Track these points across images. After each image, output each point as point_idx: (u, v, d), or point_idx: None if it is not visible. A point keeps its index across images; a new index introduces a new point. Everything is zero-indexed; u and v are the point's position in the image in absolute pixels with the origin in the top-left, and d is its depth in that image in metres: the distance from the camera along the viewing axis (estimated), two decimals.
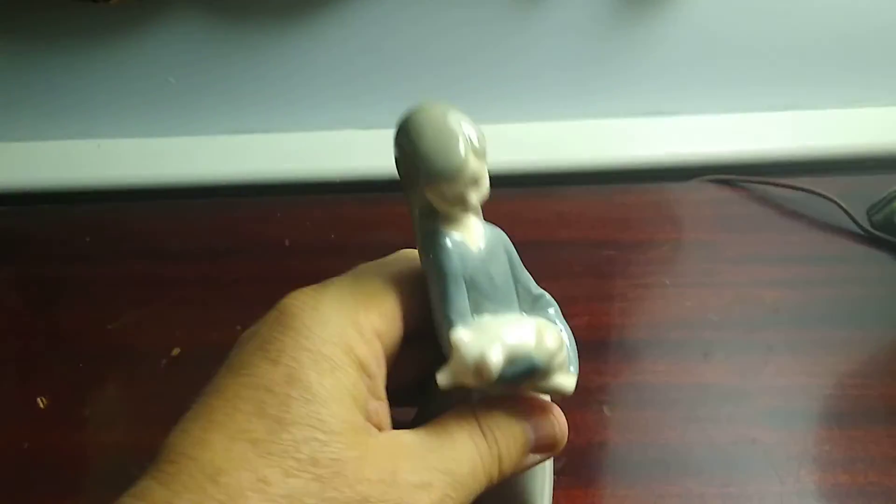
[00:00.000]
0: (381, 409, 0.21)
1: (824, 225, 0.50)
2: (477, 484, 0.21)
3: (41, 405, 0.42)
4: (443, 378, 0.20)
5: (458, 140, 0.20)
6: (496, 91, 0.58)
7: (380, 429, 0.21)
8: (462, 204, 0.21)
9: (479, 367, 0.19)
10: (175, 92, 0.59)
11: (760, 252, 0.48)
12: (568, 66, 0.57)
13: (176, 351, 0.44)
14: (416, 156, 0.20)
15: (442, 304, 0.21)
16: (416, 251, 0.23)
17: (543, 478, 0.26)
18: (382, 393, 0.21)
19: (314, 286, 0.22)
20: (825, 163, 0.55)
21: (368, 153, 0.57)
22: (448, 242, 0.21)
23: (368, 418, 0.20)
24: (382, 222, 0.52)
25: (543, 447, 0.23)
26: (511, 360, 0.20)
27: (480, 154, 0.21)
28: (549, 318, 0.23)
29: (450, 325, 0.21)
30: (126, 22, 0.55)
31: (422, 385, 0.24)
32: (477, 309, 0.21)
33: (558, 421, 0.23)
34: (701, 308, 0.45)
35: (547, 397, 0.24)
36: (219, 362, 0.21)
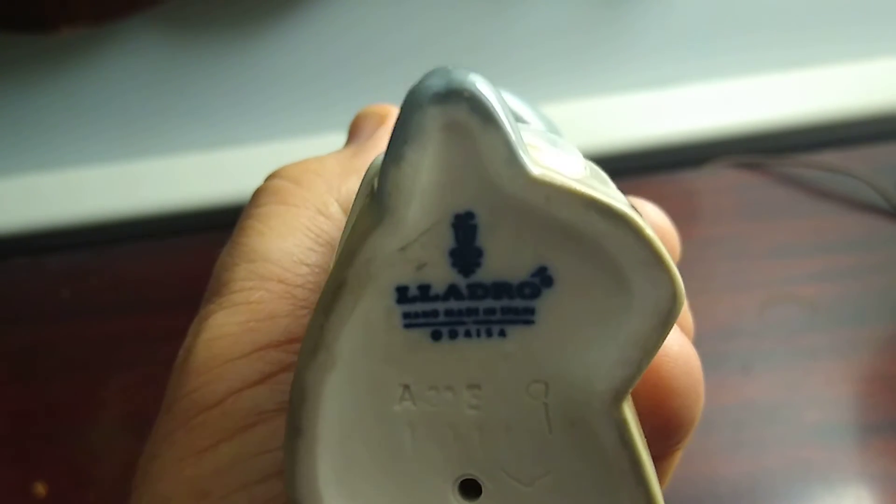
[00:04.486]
0: None
1: (856, 205, 0.47)
2: None
3: (39, 493, 0.39)
4: None
5: None
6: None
7: None
8: None
9: None
10: (142, 112, 0.55)
11: (790, 243, 0.45)
12: (551, 40, 0.53)
13: None
14: None
15: None
16: None
17: None
18: None
19: None
20: (853, 124, 0.51)
21: None
22: None
23: None
24: None
25: None
26: None
27: None
28: None
29: None
30: (80, 48, 0.51)
31: None
32: None
33: None
34: (734, 314, 0.42)
35: None
36: None
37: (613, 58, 0.53)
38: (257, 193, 0.16)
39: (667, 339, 0.13)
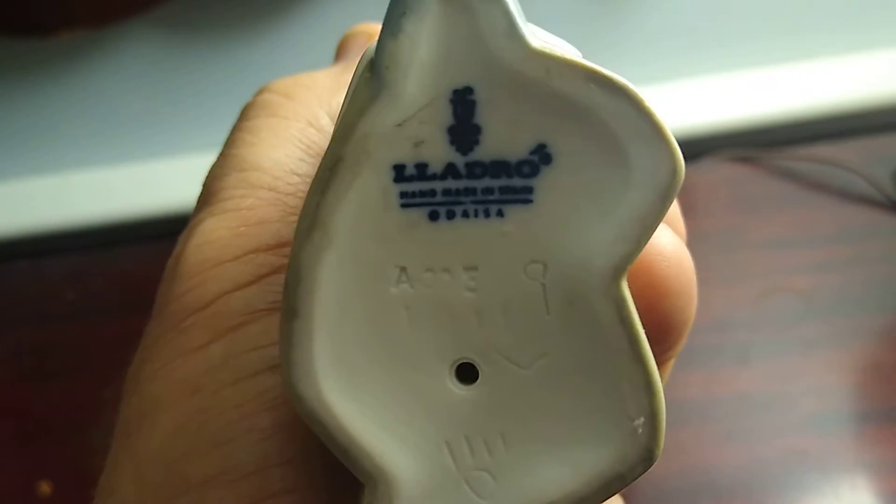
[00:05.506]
0: None
1: (850, 197, 0.47)
2: None
3: (44, 491, 0.39)
4: None
5: None
6: None
7: None
8: None
9: None
10: (142, 114, 0.56)
11: (785, 235, 0.46)
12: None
13: None
14: None
15: None
16: None
17: None
18: None
19: None
20: (846, 116, 0.51)
21: None
22: None
23: None
24: None
25: None
26: None
27: None
28: None
29: None
30: (79, 52, 0.51)
31: None
32: None
33: None
34: (730, 306, 0.42)
35: None
36: None
37: (607, 54, 0.54)
38: (247, 107, 0.16)
39: (660, 239, 0.13)
